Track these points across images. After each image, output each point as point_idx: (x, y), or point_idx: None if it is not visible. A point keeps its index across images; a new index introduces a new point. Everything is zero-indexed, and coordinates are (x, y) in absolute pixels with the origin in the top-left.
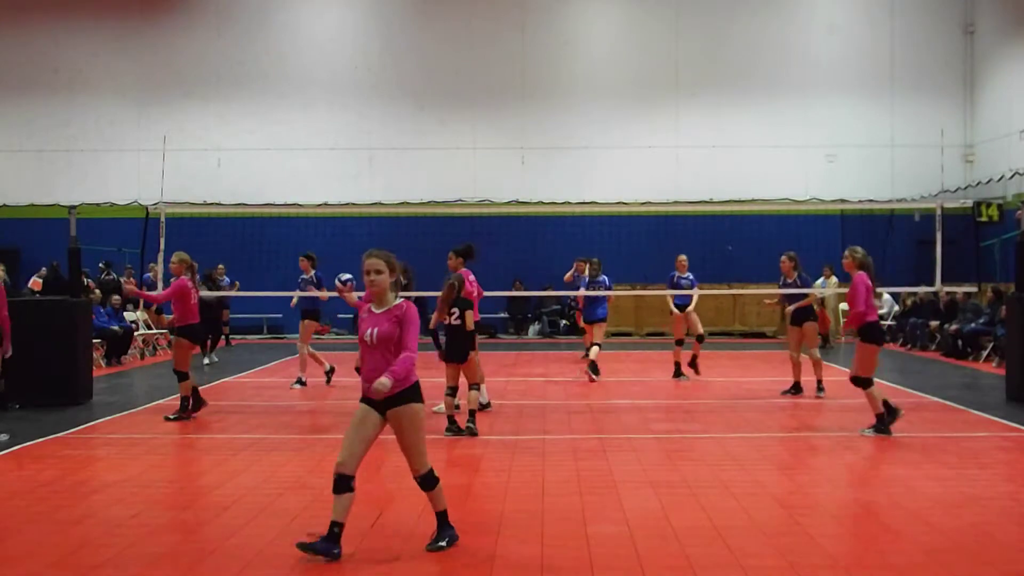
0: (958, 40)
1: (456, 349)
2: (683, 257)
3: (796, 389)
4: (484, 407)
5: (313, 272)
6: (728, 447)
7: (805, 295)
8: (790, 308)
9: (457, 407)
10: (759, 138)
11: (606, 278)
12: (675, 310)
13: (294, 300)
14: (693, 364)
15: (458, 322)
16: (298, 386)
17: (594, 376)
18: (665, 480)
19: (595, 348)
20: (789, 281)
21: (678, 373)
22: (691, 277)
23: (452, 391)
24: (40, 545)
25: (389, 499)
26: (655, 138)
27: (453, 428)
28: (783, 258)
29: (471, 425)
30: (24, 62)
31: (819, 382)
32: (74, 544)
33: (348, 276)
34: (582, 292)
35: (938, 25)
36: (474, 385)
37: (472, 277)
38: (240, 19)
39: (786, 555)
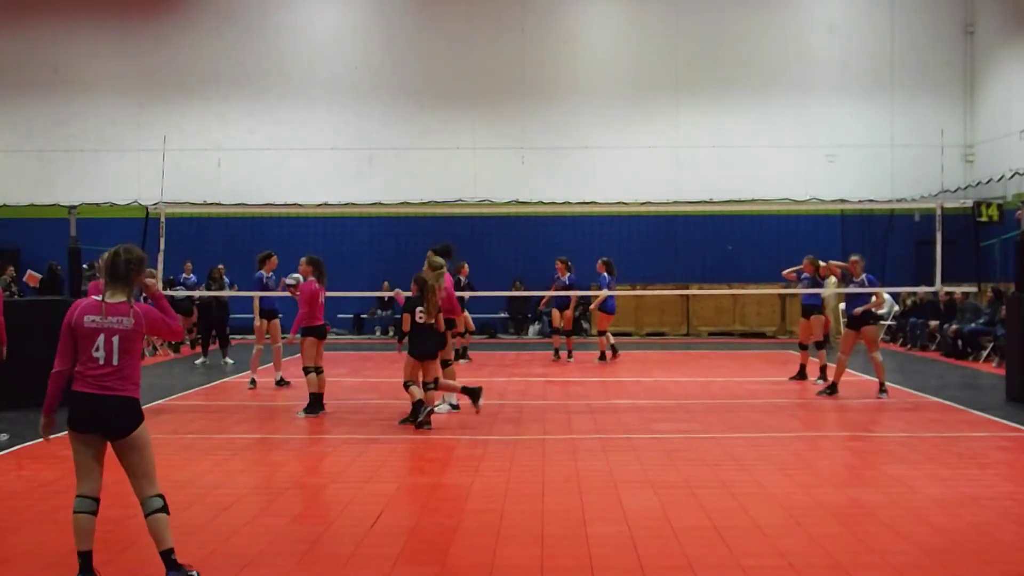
0: (958, 40)
1: (432, 347)
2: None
3: (832, 390)
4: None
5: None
6: (728, 447)
7: (870, 298)
8: (857, 311)
9: (456, 407)
10: (759, 138)
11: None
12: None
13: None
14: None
15: (425, 321)
16: (282, 385)
17: (614, 354)
18: (665, 480)
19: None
20: (856, 281)
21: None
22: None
23: (429, 386)
24: (40, 545)
25: (389, 499)
26: (655, 138)
27: (425, 420)
28: (858, 259)
29: (418, 418)
30: (24, 62)
31: (881, 384)
32: (74, 544)
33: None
34: (604, 292)
35: (938, 25)
36: (432, 383)
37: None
38: (240, 19)
39: (786, 555)
